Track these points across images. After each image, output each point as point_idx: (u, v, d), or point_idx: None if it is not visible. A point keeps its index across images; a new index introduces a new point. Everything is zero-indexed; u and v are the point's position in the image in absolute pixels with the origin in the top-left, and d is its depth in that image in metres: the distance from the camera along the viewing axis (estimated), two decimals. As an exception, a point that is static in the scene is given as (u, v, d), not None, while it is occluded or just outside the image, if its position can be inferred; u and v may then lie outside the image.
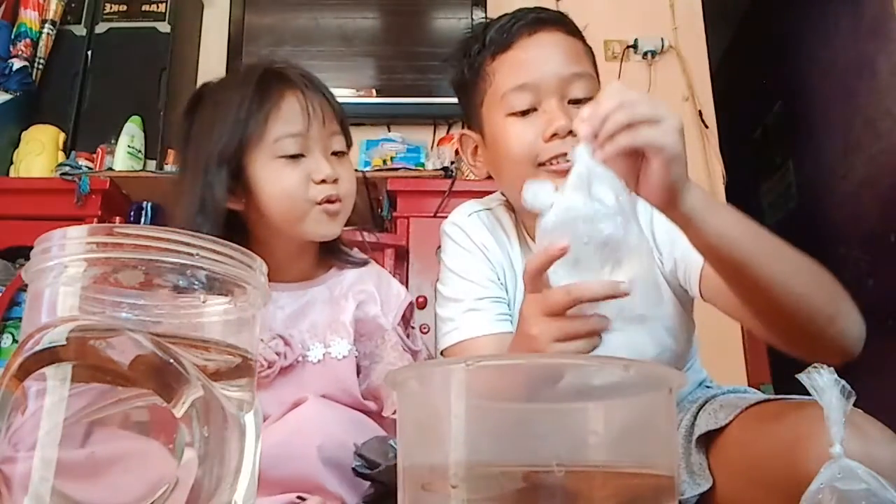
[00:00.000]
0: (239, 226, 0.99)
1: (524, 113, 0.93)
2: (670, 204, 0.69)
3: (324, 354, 0.95)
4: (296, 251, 1.02)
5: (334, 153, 1.00)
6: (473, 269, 1.00)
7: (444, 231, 1.06)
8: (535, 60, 0.93)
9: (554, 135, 0.89)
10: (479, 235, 1.02)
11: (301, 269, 1.03)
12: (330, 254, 1.06)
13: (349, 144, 1.04)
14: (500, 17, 0.98)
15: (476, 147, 1.02)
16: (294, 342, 0.94)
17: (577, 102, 0.92)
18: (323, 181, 0.96)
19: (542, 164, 0.91)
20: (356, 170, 1.46)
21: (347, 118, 1.04)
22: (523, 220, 1.02)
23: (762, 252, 0.72)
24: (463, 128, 1.06)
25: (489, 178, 1.06)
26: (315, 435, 0.79)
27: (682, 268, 0.92)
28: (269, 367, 0.92)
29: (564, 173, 0.88)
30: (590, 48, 1.01)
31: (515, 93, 0.93)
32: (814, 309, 0.73)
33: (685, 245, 0.84)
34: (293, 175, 0.95)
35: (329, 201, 0.96)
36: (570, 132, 0.88)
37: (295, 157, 0.96)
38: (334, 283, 1.03)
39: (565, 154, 0.89)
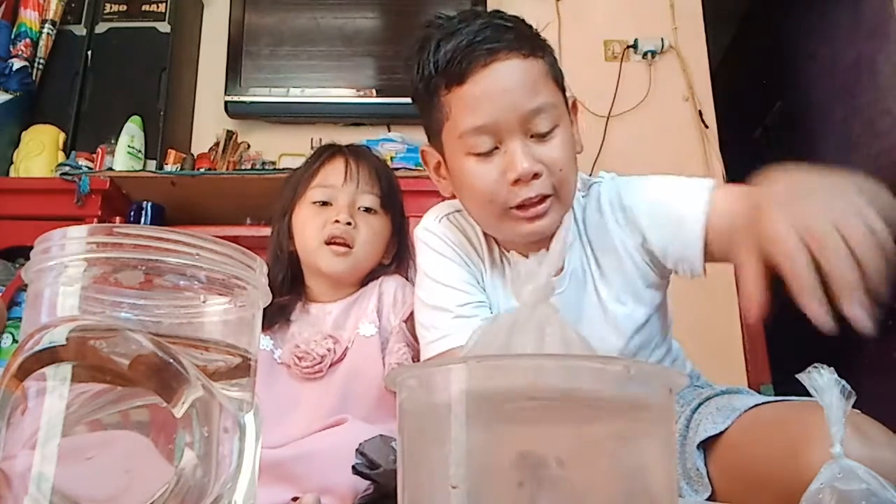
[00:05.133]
0: (299, 266, 1.19)
1: (485, 151, 0.89)
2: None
3: (356, 335, 1.12)
4: (336, 282, 1.17)
5: (364, 209, 1.16)
6: (453, 274, 0.98)
7: (417, 237, 1.04)
8: (492, 98, 0.87)
9: (518, 180, 0.86)
10: (453, 238, 1.00)
11: (346, 291, 1.18)
12: (370, 278, 1.21)
13: (389, 209, 1.19)
14: (452, 32, 0.90)
15: (439, 164, 0.98)
16: (341, 340, 1.12)
17: (540, 133, 0.88)
18: (336, 222, 1.12)
19: (511, 208, 0.88)
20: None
21: (395, 187, 1.22)
22: (493, 238, 1.01)
23: None
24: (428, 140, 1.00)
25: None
26: (347, 457, 0.88)
27: (677, 252, 0.91)
28: (321, 362, 1.09)
29: (537, 218, 0.88)
30: (552, 61, 0.94)
31: (474, 134, 0.88)
32: None
33: (683, 233, 0.89)
34: (317, 218, 1.14)
35: (335, 242, 1.12)
36: (535, 175, 0.86)
37: (324, 204, 1.15)
38: (369, 290, 1.18)
39: (532, 198, 0.87)
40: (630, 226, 0.95)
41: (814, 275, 0.59)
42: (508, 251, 1.00)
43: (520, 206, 0.88)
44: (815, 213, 0.62)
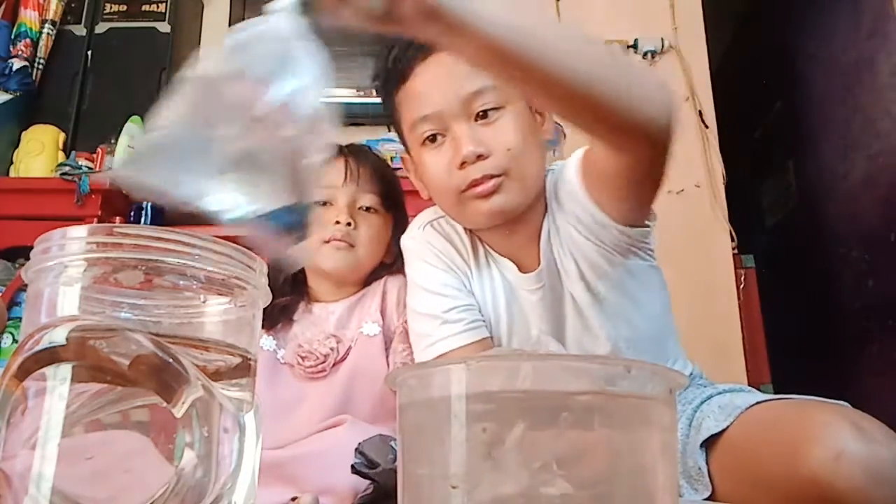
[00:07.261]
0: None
1: (434, 140, 0.93)
2: (430, 17, 0.61)
3: (359, 334, 1.13)
4: (339, 281, 1.18)
5: (364, 208, 1.17)
6: (439, 280, 1.00)
7: (403, 246, 1.07)
8: (433, 87, 0.92)
9: (464, 162, 0.90)
10: (436, 244, 1.02)
11: (349, 291, 1.19)
12: (373, 277, 1.21)
13: (390, 208, 1.19)
14: (396, 41, 0.95)
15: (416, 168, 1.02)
16: (344, 339, 1.12)
17: (485, 115, 0.91)
18: (337, 223, 1.13)
19: (464, 191, 0.92)
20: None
21: (396, 186, 1.22)
22: (477, 234, 1.03)
23: (547, 43, 0.67)
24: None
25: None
26: (346, 458, 0.88)
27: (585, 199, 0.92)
28: (324, 361, 1.09)
29: (488, 195, 0.91)
30: None
31: (421, 124, 0.93)
32: (612, 100, 0.71)
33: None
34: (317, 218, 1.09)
35: (335, 239, 1.13)
36: (479, 156, 0.90)
37: (324, 204, 1.15)
38: (372, 290, 1.19)
39: (480, 178, 0.90)
40: (570, 198, 0.96)
41: None
42: (493, 251, 1.02)
43: (471, 188, 0.91)
44: None
